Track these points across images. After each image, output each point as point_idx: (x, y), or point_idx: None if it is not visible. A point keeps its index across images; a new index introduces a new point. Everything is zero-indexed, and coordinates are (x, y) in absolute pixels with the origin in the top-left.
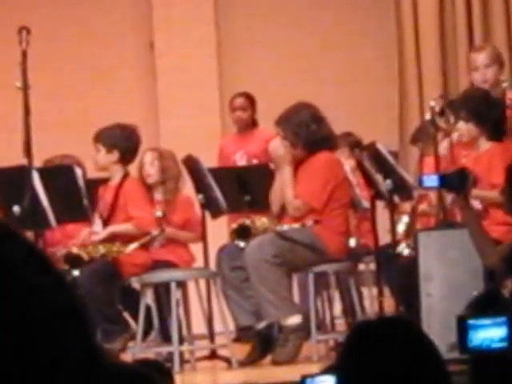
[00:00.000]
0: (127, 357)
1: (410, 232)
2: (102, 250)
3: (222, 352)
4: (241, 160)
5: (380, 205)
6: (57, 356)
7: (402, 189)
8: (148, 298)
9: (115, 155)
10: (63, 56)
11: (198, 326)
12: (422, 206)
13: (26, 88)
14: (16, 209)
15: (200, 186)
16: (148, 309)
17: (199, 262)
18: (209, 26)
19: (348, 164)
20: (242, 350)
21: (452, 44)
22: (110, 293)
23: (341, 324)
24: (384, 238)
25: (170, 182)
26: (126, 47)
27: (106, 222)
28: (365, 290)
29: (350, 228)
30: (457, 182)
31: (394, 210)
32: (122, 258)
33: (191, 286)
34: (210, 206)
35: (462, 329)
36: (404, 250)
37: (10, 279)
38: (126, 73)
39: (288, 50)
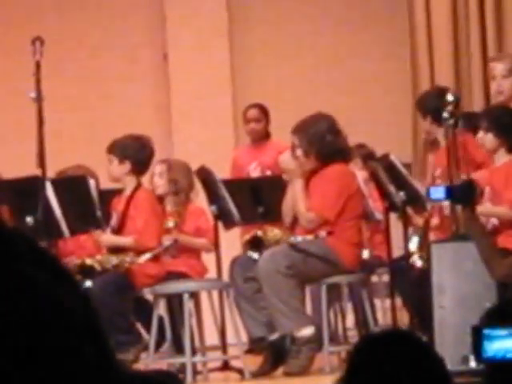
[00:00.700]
0: (140, 368)
1: (424, 244)
2: (114, 260)
3: (235, 363)
4: (255, 171)
5: (393, 216)
6: (74, 368)
7: (415, 201)
8: (161, 309)
9: (127, 166)
10: (77, 67)
11: (211, 337)
12: (434, 220)
13: (40, 99)
14: (29, 219)
15: (213, 197)
16: (161, 320)
17: (212, 273)
18: (222, 37)
19: (361, 175)
20: (254, 362)
21: (466, 53)
22: (122, 304)
23: (353, 336)
24: (397, 250)
25: (181, 194)
26: (139, 59)
27: (116, 232)
28: (377, 302)
29: (362, 240)
30: (464, 193)
31: (407, 222)
32: (134, 268)
33: (204, 297)
34: (223, 217)
35: (477, 339)
36: (417, 261)
37: (34, 296)
38: (140, 84)
39: (301, 61)
